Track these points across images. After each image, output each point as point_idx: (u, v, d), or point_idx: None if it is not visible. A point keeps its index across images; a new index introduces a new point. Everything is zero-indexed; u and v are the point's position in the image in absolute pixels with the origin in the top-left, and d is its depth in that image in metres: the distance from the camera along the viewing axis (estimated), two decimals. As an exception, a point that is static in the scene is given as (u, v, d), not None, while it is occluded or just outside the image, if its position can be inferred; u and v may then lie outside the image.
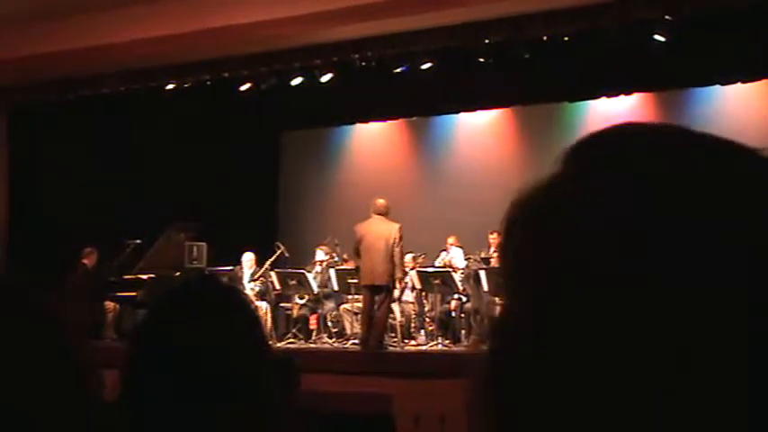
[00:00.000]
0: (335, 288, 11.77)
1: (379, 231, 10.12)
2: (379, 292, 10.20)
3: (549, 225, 0.63)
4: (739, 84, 12.40)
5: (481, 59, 11.73)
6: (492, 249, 11.69)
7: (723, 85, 12.45)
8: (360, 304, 10.80)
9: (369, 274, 10.14)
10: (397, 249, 10.09)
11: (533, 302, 0.62)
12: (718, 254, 0.59)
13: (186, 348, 1.30)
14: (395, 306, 11.27)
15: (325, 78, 12.39)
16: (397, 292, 11.19)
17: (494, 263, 11.47)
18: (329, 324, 11.98)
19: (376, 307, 10.20)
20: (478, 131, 14.98)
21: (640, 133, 0.66)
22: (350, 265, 11.47)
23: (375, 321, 10.19)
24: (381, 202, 10.40)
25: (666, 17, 10.45)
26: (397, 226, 10.17)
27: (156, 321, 1.36)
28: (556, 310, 0.61)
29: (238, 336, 1.35)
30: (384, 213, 10.32)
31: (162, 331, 1.33)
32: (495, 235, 11.78)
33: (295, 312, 12.14)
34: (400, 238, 10.09)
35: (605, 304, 0.59)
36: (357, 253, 10.37)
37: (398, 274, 10.44)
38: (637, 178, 0.61)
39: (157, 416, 1.28)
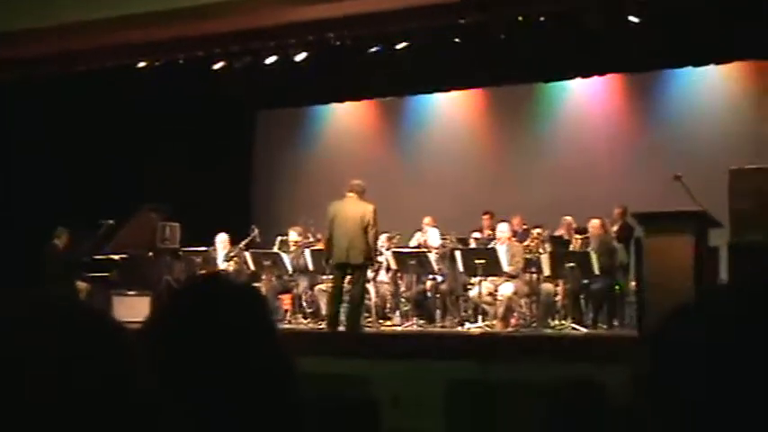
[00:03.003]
0: (311, 268, 11.73)
1: (352, 211, 9.95)
2: (349, 272, 10.09)
3: None
4: (712, 65, 12.48)
5: (457, 40, 11.71)
6: (485, 231, 11.85)
7: (696, 66, 12.51)
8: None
9: (339, 252, 9.95)
10: (371, 231, 9.91)
11: None
12: None
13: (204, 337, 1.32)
14: (370, 286, 11.24)
15: (299, 57, 12.31)
16: (370, 273, 11.13)
17: (471, 243, 11.53)
18: (304, 304, 11.95)
19: (351, 287, 10.11)
20: (454, 112, 14.98)
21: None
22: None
23: (350, 301, 10.10)
24: (356, 182, 10.24)
25: (641, -2, 10.49)
26: (371, 207, 9.95)
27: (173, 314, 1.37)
28: None
29: (255, 326, 1.37)
30: (359, 193, 10.14)
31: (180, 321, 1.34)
32: (487, 216, 12.05)
33: (264, 289, 11.99)
34: (374, 219, 9.93)
35: None
36: (330, 232, 10.19)
37: (372, 255, 10.31)
38: None
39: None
